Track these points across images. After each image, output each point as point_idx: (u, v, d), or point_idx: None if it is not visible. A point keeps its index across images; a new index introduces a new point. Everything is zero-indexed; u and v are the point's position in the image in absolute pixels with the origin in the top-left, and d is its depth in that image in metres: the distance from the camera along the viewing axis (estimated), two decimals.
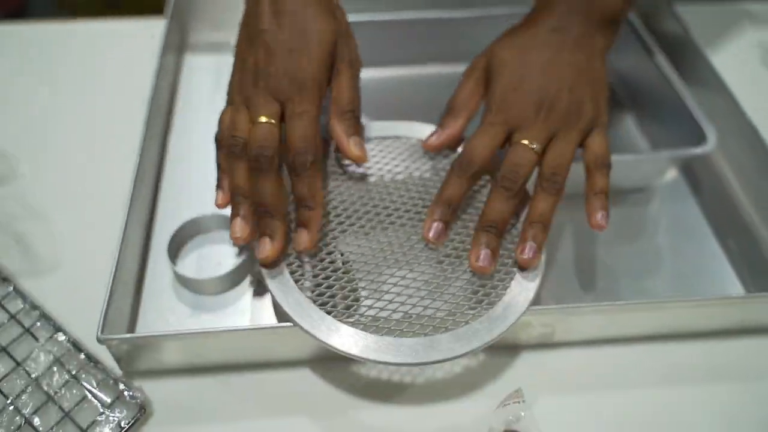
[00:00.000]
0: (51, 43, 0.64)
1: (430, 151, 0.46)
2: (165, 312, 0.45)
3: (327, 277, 0.41)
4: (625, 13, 0.48)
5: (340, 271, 0.41)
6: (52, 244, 0.48)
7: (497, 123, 0.43)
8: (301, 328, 0.38)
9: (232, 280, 0.46)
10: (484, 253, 0.40)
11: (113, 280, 0.41)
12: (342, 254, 0.42)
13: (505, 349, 0.44)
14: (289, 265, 0.40)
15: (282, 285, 0.40)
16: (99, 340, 0.38)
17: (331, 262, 0.41)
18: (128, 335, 0.40)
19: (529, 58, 0.44)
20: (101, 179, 0.53)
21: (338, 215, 0.43)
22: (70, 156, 0.54)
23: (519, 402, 0.39)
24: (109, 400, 0.40)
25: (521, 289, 0.40)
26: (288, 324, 0.39)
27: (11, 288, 0.45)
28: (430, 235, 0.41)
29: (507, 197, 0.41)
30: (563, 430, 0.41)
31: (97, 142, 0.56)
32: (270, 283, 0.40)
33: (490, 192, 0.42)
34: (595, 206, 0.41)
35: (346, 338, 0.38)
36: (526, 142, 0.42)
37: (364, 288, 0.40)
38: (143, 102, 0.52)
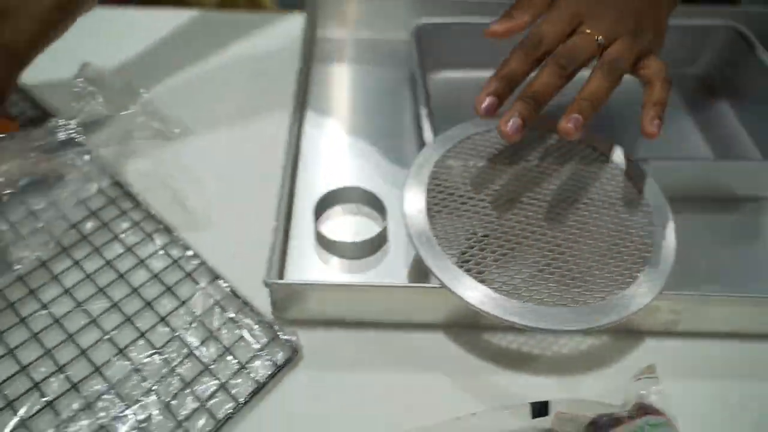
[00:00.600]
0: (205, 27, 0.70)
1: (493, 36, 0.45)
2: (307, 272, 0.49)
3: (470, 247, 0.44)
4: None
5: (483, 242, 0.44)
6: (205, 203, 0.53)
7: (568, 10, 0.43)
8: (451, 290, 0.41)
9: (373, 246, 0.50)
10: (513, 121, 0.40)
11: (276, 230, 0.45)
12: (483, 229, 0.45)
13: (629, 333, 0.46)
14: (436, 235, 0.44)
15: (431, 251, 0.43)
16: (265, 284, 0.42)
17: (473, 234, 0.44)
18: (294, 281, 0.44)
19: None
20: (250, 147, 0.57)
21: (479, 193, 0.47)
22: (222, 125, 0.59)
23: (652, 377, 0.41)
24: (265, 341, 0.43)
25: (653, 273, 0.43)
26: (436, 285, 0.42)
27: (173, 237, 0.49)
28: (482, 107, 0.41)
29: (558, 74, 0.41)
30: (688, 415, 0.42)
31: (247, 116, 0.61)
32: (420, 248, 0.43)
33: (542, 66, 0.42)
34: (651, 114, 0.42)
35: (490, 301, 0.40)
36: (589, 31, 0.42)
37: (507, 260, 0.43)
38: (288, 84, 0.57)
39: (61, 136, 0.48)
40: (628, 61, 0.43)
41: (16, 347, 0.43)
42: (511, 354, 0.45)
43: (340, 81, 0.66)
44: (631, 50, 0.43)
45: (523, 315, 0.40)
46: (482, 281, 0.42)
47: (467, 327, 0.46)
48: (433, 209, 0.45)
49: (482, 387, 0.43)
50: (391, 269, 0.49)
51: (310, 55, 0.67)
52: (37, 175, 0.49)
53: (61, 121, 0.48)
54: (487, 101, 0.41)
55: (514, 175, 0.48)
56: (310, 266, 0.49)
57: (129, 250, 0.48)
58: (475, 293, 0.41)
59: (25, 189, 0.49)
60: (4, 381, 0.41)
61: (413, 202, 0.46)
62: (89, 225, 0.50)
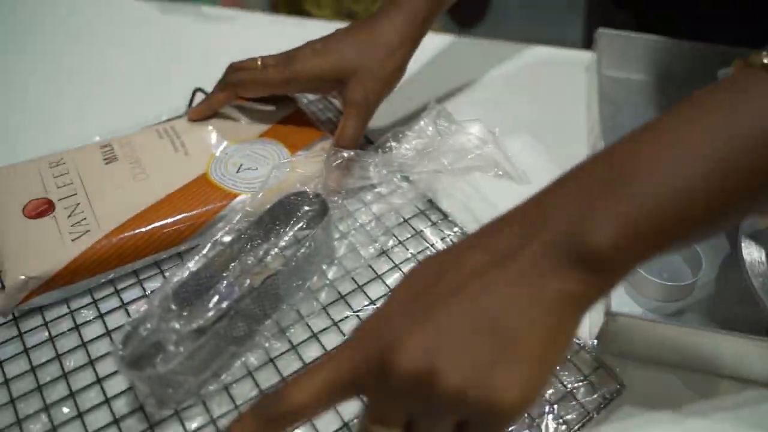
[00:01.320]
0: (489, 55, 0.75)
1: None
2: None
3: None
4: (630, 257, 0.29)
5: None
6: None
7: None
8: None
9: (684, 291, 0.49)
10: None
11: None
12: None
13: None
14: None
15: None
16: (608, 314, 0.43)
17: None
18: (643, 317, 0.45)
19: (422, 302, 0.30)
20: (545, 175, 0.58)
21: None
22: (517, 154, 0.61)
23: None
24: (590, 370, 0.44)
25: None
26: None
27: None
28: None
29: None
30: None
31: (543, 146, 0.62)
32: (765, 299, 0.42)
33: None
34: None
35: None
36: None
37: None
38: (578, 117, 0.59)
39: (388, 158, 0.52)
40: None
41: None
42: None
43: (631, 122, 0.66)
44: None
45: None
46: None
47: None
48: None
49: None
50: (693, 318, 0.48)
51: (601, 95, 0.68)
52: (356, 186, 0.53)
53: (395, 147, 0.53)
54: None
55: None
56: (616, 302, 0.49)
57: None
58: None
59: (346, 195, 0.53)
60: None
61: (752, 251, 0.45)
62: (404, 232, 0.53)
